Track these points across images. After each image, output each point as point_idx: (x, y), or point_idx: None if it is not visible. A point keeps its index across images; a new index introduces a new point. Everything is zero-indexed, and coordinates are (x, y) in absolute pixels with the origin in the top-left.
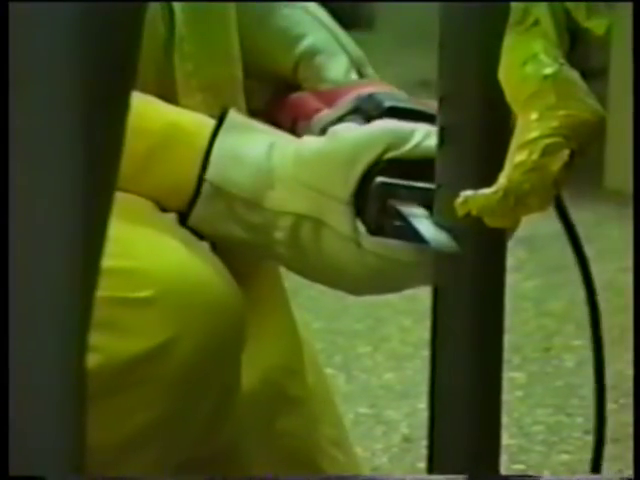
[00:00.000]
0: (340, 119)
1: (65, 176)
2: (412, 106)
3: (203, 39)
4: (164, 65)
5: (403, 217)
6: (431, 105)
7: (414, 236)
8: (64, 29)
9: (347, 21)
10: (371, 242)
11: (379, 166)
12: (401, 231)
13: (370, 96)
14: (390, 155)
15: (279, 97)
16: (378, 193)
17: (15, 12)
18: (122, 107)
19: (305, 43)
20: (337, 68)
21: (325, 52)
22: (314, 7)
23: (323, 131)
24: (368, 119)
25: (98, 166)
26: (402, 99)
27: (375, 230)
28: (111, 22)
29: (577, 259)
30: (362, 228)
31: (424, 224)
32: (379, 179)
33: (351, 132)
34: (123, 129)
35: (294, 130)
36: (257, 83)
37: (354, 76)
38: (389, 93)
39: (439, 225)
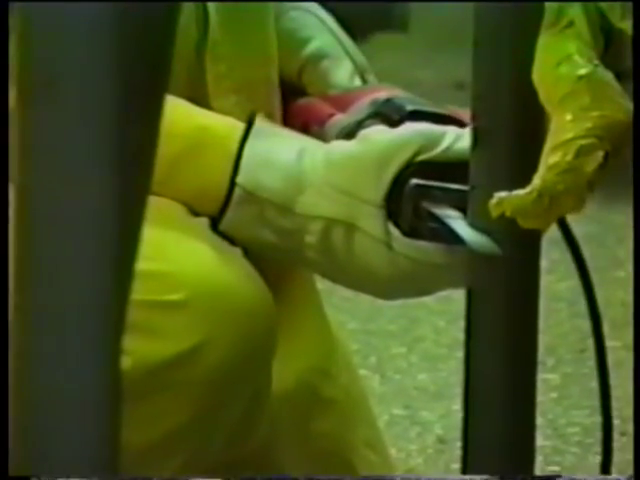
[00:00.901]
0: (359, 123)
1: (99, 178)
2: (433, 109)
3: (238, 40)
4: (195, 67)
5: (438, 219)
6: (451, 109)
7: (450, 238)
8: (98, 30)
9: (381, 23)
10: (403, 245)
11: (411, 169)
12: (436, 233)
13: (388, 100)
14: (422, 158)
15: (286, 101)
16: (412, 195)
17: (45, 12)
18: (156, 109)
19: (312, 46)
20: (342, 73)
21: (331, 56)
22: (320, 10)
23: (339, 136)
24: (390, 123)
25: (132, 168)
26: (420, 103)
27: (408, 232)
28: (146, 23)
29: (582, 282)
30: (394, 231)
31: (461, 226)
32: (414, 181)
33: (382, 135)
34: (157, 131)
35: (305, 135)
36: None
37: (358, 82)
38: (407, 97)
39: (474, 227)
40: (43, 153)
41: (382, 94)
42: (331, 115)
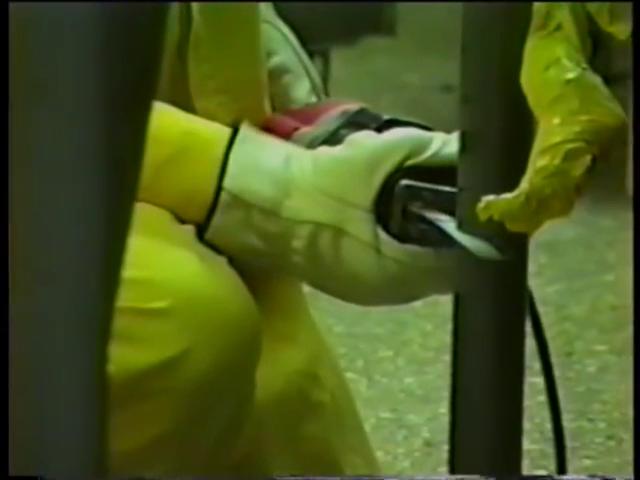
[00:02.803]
0: (332, 134)
1: (86, 183)
2: (409, 119)
3: (224, 40)
4: (177, 67)
5: (428, 222)
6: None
7: (438, 241)
8: (87, 32)
9: (369, 26)
10: (392, 249)
11: (400, 173)
12: (425, 236)
13: (362, 110)
14: (410, 162)
15: None
16: (402, 196)
17: (36, 15)
18: (145, 111)
19: (275, 60)
20: (302, 89)
21: (292, 72)
22: (284, 27)
23: (310, 147)
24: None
25: (121, 171)
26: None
27: (397, 235)
28: (134, 25)
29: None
30: (383, 235)
31: (453, 229)
32: (403, 182)
33: (371, 139)
34: (145, 134)
35: None
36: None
37: (314, 99)
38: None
39: (463, 230)
40: (29, 157)
41: (351, 106)
42: (296, 129)
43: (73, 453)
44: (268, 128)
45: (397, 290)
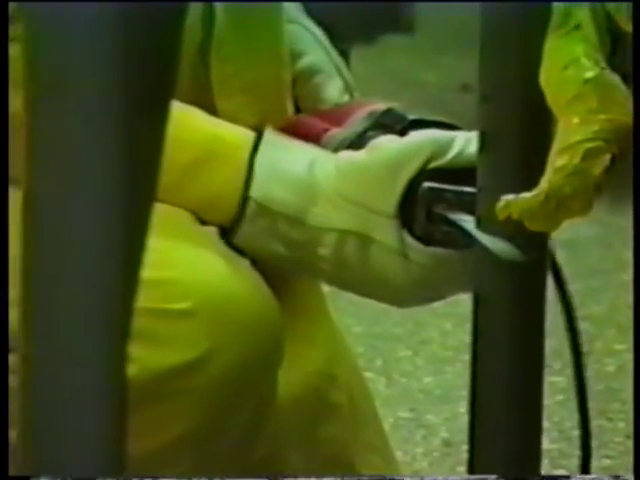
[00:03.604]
0: (359, 135)
1: (105, 183)
2: (435, 118)
3: (248, 40)
4: (199, 68)
5: (453, 223)
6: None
7: (463, 243)
8: (104, 33)
9: (388, 25)
10: (419, 253)
11: (422, 176)
12: (449, 238)
13: (388, 111)
14: (433, 164)
15: None
16: (426, 199)
17: (54, 13)
18: (163, 113)
19: (305, 61)
20: (333, 89)
21: (323, 72)
22: (315, 28)
23: (338, 149)
24: (392, 133)
25: (138, 174)
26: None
27: (422, 238)
28: (152, 26)
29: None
30: (409, 239)
31: (476, 230)
32: (427, 184)
33: (393, 144)
34: (163, 136)
35: None
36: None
37: (347, 99)
38: (402, 108)
39: (483, 230)
40: (48, 157)
41: (379, 106)
42: (326, 130)
43: (91, 453)
44: (297, 129)
45: (423, 292)
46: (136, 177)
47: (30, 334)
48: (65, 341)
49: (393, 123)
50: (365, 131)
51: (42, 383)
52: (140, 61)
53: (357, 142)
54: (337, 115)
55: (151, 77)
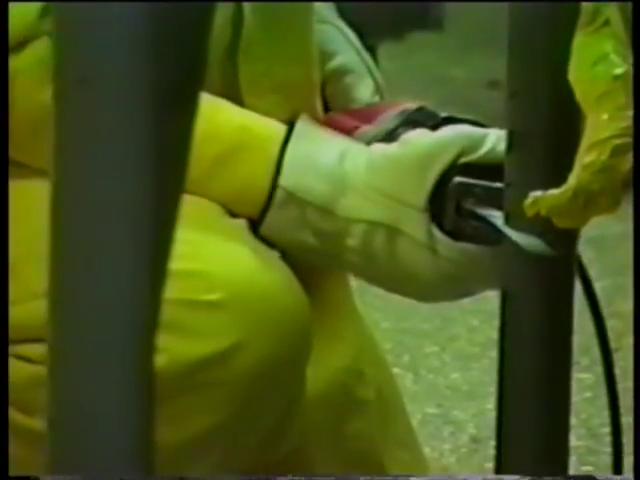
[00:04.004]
0: (391, 132)
1: (133, 176)
2: (467, 116)
3: (277, 39)
4: (228, 66)
5: (482, 219)
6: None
7: (492, 238)
8: (132, 27)
9: (416, 22)
10: (447, 248)
11: (453, 171)
12: (478, 233)
13: (420, 109)
14: (464, 160)
15: None
16: (455, 193)
17: (84, 11)
18: (191, 108)
19: (337, 61)
20: (364, 90)
21: (354, 73)
22: (346, 28)
23: (368, 146)
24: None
25: (167, 167)
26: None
27: (451, 232)
28: (180, 20)
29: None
30: (437, 234)
31: (505, 226)
32: (457, 179)
33: (425, 137)
34: (192, 131)
35: None
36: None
37: (377, 100)
38: (432, 106)
39: (512, 226)
40: (77, 151)
41: (410, 105)
42: (356, 127)
43: (117, 448)
44: (328, 127)
45: (451, 287)
46: (164, 170)
47: (57, 325)
48: (92, 332)
49: (425, 120)
50: (396, 128)
51: (68, 375)
52: (169, 55)
53: (388, 139)
54: (368, 113)
55: (180, 70)
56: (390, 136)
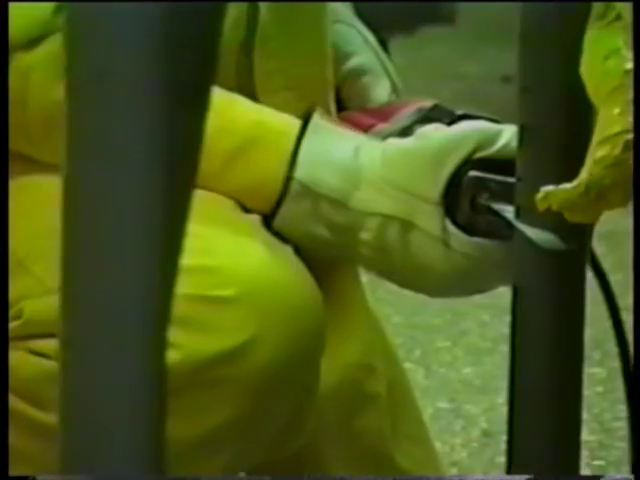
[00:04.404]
0: (406, 130)
1: (144, 172)
2: (483, 114)
3: (292, 37)
4: (242, 63)
5: (496, 213)
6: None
7: (506, 233)
8: (145, 24)
9: (429, 16)
10: (460, 242)
11: (468, 166)
12: (492, 228)
13: (436, 106)
14: (479, 155)
15: None
16: (470, 188)
17: (96, 8)
18: (203, 104)
19: (354, 62)
20: (381, 90)
21: (371, 73)
22: (363, 28)
23: None
24: None
25: (178, 163)
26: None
27: (465, 227)
28: (192, 16)
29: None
30: (451, 228)
31: (518, 221)
32: (471, 173)
33: (440, 132)
34: (203, 127)
35: None
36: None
37: (394, 99)
38: (444, 101)
39: (526, 221)
40: (90, 146)
41: (426, 103)
42: (372, 125)
43: (129, 447)
44: (344, 124)
45: (465, 282)
46: (176, 166)
47: (69, 320)
48: (104, 327)
49: (441, 118)
50: (412, 125)
51: (79, 372)
52: (180, 53)
53: (403, 136)
54: (384, 112)
55: (192, 65)
56: (406, 134)
